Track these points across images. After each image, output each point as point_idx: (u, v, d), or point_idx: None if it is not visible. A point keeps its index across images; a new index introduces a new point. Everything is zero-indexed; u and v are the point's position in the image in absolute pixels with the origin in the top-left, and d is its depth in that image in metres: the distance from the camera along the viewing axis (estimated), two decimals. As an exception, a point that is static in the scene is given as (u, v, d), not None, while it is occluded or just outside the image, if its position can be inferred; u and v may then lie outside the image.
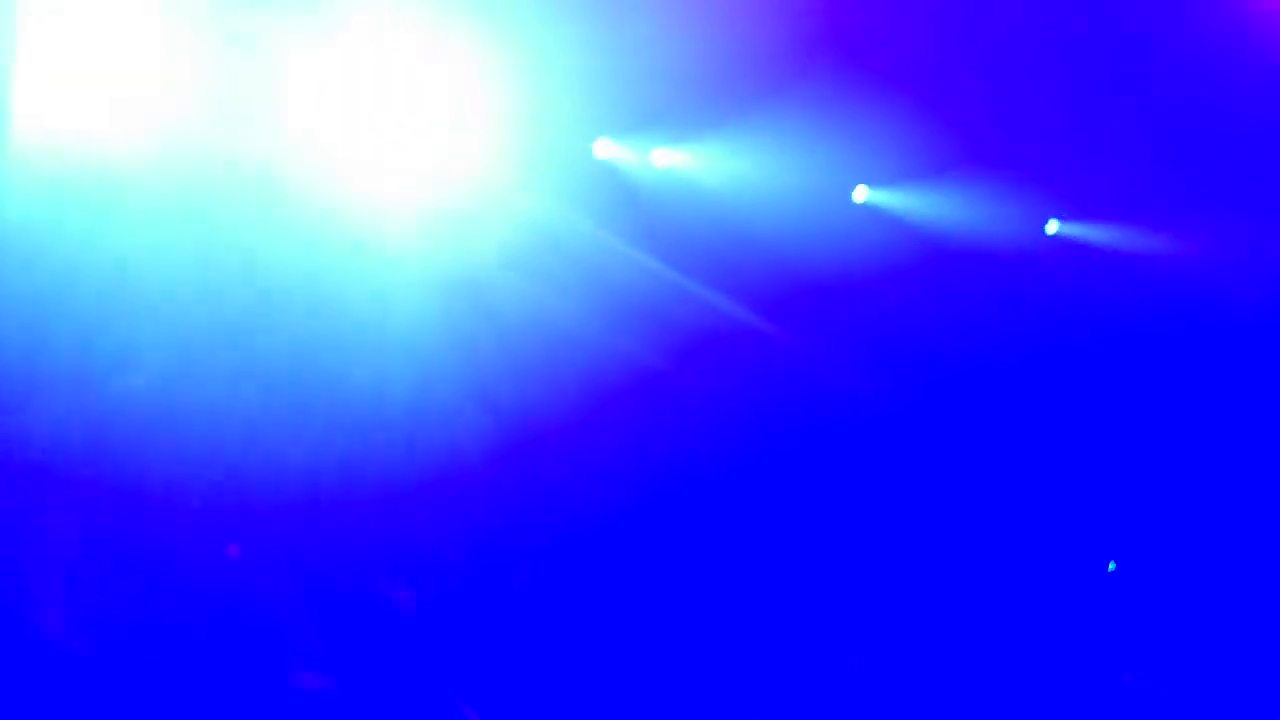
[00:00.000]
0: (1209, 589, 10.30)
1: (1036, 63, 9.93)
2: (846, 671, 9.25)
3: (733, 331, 10.55)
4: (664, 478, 10.12)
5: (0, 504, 8.08)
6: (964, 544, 10.56)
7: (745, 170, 10.40)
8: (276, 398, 8.84)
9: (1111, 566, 10.57)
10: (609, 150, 10.14)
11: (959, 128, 10.34)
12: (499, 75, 9.00)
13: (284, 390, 8.89)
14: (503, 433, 9.46)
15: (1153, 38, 9.80)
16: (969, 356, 10.95)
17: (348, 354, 9.14)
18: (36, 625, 7.76)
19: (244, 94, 8.61)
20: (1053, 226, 11.13)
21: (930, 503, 10.75)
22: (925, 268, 10.91)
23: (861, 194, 10.87)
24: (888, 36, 9.80)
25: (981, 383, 11.02)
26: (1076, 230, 11.22)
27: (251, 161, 8.65)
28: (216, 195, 8.62)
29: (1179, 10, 9.69)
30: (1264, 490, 10.85)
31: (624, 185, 10.15)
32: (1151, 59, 9.91)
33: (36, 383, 8.31)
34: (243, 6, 8.44)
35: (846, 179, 10.73)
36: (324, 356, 9.04)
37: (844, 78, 9.81)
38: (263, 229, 8.76)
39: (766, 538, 10.15)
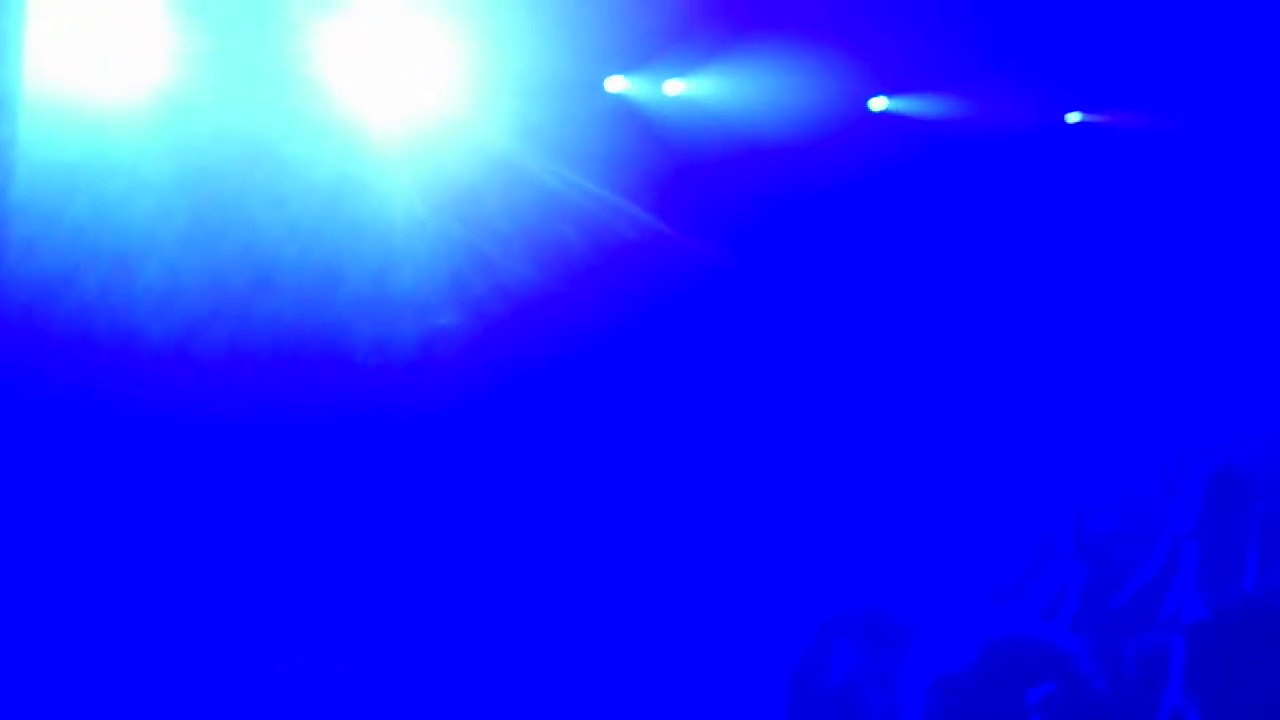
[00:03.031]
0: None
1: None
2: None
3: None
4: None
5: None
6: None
7: (761, 90, 9.94)
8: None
9: None
10: (621, 85, 9.74)
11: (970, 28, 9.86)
12: (494, 25, 8.52)
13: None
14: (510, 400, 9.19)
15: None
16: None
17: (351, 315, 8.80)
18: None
19: (239, 52, 8.04)
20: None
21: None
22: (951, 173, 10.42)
23: (880, 103, 10.45)
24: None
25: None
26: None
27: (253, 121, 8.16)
28: (212, 155, 8.14)
29: None
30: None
31: (642, 118, 9.73)
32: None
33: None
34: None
35: (862, 88, 10.30)
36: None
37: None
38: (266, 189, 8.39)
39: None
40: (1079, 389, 10.32)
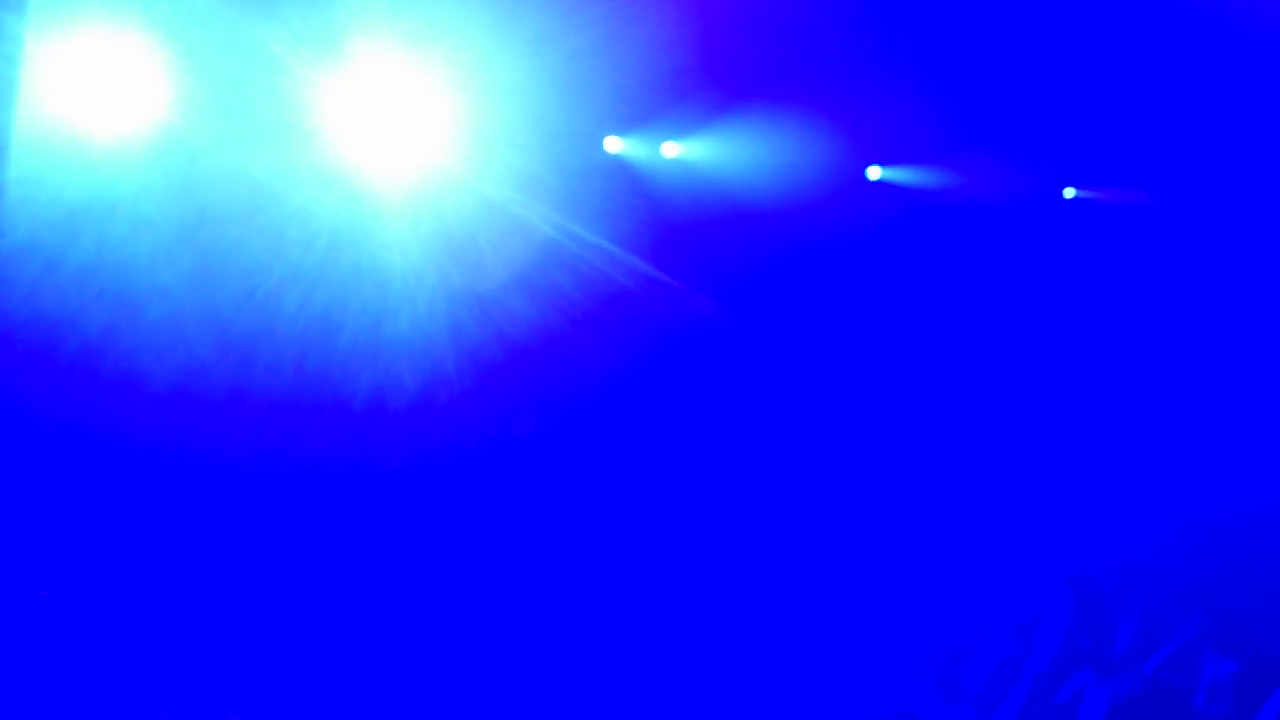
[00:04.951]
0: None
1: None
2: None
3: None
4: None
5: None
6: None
7: (757, 155, 9.92)
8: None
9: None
10: (618, 146, 9.73)
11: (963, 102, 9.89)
12: (494, 80, 8.54)
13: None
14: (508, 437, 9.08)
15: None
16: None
17: (351, 361, 8.72)
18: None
19: (243, 100, 8.01)
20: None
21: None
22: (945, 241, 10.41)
23: (875, 172, 10.41)
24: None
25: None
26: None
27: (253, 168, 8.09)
28: (215, 200, 8.12)
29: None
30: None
31: (639, 177, 9.71)
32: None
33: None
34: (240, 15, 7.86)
35: (859, 158, 10.30)
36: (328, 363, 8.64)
37: (839, 56, 9.35)
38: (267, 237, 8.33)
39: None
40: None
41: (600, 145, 9.44)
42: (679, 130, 9.64)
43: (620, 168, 9.49)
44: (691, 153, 9.76)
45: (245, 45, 7.91)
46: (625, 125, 9.47)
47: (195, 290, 8.12)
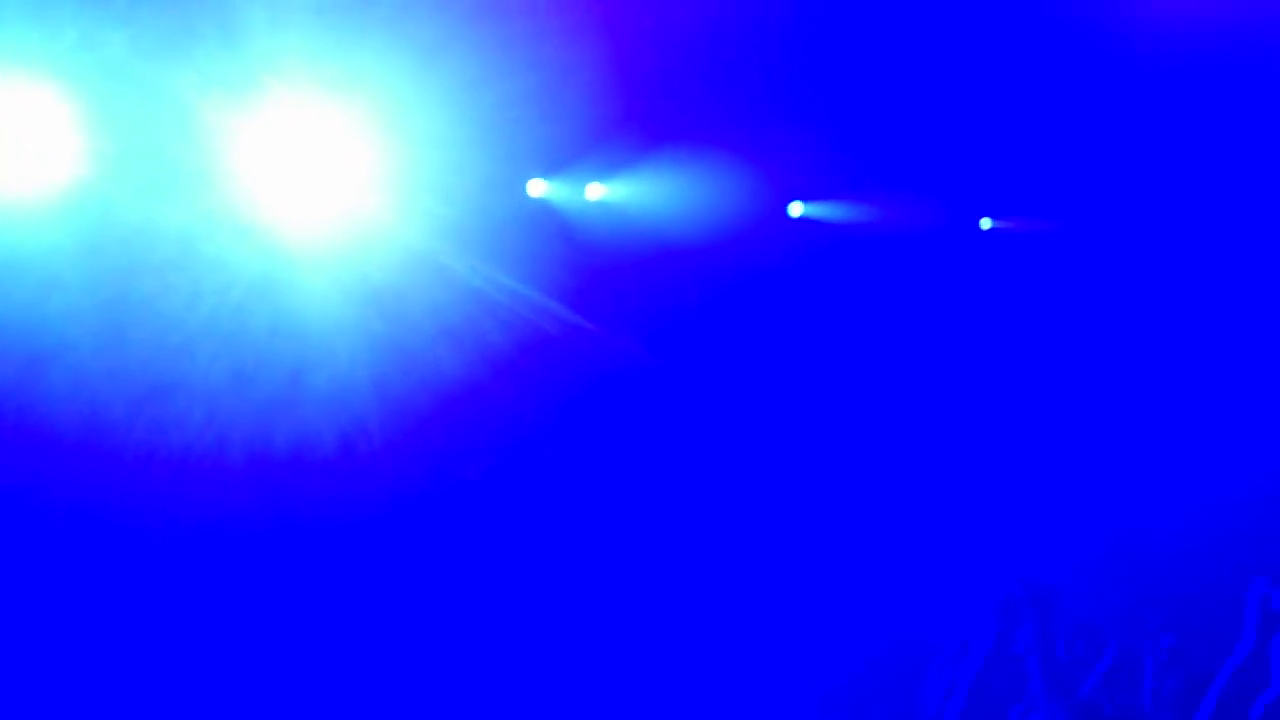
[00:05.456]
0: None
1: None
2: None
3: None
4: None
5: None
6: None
7: (680, 195, 9.84)
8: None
9: None
10: (542, 189, 9.57)
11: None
12: (414, 127, 8.36)
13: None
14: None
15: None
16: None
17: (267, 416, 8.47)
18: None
19: (155, 150, 7.71)
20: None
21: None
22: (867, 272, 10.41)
23: (797, 209, 10.38)
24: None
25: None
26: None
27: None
28: (126, 253, 7.88)
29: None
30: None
31: (563, 220, 9.57)
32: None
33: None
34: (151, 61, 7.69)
35: (782, 194, 10.26)
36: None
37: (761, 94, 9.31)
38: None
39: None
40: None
41: (523, 191, 9.29)
42: (602, 173, 9.53)
43: (544, 211, 9.35)
44: (615, 194, 9.65)
45: (156, 92, 7.63)
46: (548, 169, 9.33)
47: (104, 346, 7.83)
